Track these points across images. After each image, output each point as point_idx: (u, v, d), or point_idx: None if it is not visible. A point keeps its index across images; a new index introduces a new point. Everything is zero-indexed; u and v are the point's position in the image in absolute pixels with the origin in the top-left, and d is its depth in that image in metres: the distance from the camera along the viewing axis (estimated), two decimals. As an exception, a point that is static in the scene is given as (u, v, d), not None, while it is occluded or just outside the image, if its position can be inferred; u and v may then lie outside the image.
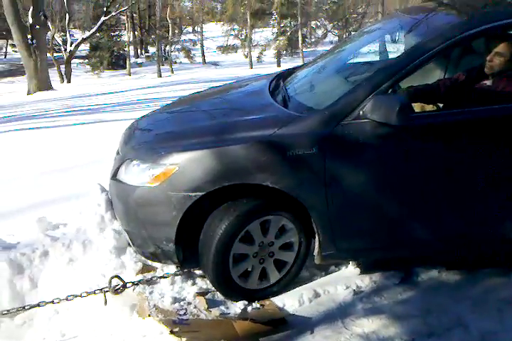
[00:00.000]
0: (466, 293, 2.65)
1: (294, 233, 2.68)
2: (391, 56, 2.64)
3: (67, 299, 2.63)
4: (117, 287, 2.66)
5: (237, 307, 2.63)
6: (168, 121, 3.18)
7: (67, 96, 12.19)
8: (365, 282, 2.77)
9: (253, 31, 29.60)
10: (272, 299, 2.69)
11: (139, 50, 36.69)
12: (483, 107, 2.60)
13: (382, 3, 28.56)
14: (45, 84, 16.70)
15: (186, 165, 2.50)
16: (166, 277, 2.76)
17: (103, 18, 26.64)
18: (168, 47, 31.95)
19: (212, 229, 2.54)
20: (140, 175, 2.61)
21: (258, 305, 2.65)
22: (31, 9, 17.50)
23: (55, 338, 2.51)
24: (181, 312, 2.54)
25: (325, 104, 2.56)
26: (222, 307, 2.62)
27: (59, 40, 28.40)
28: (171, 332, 2.30)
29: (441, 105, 3.00)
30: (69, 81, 24.10)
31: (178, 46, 32.00)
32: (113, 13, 27.76)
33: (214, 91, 3.67)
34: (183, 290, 2.70)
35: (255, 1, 27.21)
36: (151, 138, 2.95)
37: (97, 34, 30.14)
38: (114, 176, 2.79)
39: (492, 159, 2.54)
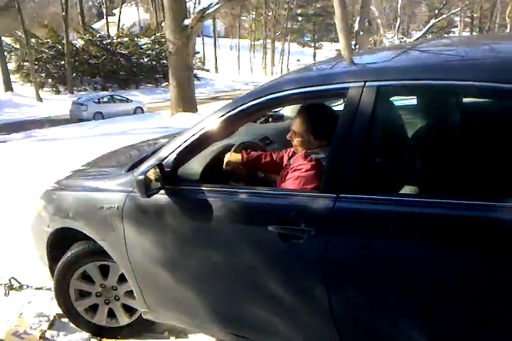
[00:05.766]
0: None
1: (140, 282, 2.71)
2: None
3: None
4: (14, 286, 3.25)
5: (82, 337, 2.86)
6: None
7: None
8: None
9: None
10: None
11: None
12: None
13: None
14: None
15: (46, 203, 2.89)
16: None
17: (433, 21, 26.28)
18: None
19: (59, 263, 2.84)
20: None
21: (95, 341, 2.82)
22: (358, 17, 18.96)
23: None
24: (34, 327, 2.94)
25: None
26: (69, 335, 2.89)
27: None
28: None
29: None
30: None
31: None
32: (444, 15, 27.10)
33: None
34: (50, 309, 3.07)
35: None
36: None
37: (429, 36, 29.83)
38: None
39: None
